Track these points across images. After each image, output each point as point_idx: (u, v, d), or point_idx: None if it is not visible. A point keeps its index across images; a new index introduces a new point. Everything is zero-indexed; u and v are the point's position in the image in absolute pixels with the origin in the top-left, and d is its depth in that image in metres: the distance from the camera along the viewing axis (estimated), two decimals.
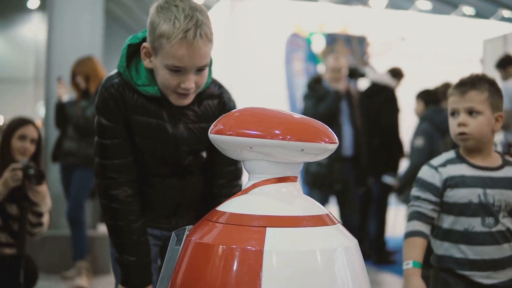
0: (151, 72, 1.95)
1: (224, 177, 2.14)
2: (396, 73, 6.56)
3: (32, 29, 21.00)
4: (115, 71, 2.02)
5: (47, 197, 3.33)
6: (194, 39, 1.80)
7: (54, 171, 5.52)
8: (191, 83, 1.88)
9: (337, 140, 1.49)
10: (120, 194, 1.98)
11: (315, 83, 5.65)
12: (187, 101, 1.96)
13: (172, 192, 2.10)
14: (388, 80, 6.24)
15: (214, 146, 1.59)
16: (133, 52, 1.99)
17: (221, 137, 1.51)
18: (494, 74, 6.63)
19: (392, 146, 6.19)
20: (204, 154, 2.12)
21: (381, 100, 6.13)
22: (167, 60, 1.84)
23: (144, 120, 1.99)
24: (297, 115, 1.53)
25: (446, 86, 6.67)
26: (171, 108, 2.00)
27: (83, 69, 4.92)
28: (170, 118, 2.01)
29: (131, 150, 2.01)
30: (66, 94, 5.09)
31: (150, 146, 2.02)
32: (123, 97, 1.97)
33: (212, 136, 1.54)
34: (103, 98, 1.99)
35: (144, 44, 1.91)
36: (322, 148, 1.46)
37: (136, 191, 2.03)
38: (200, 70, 1.89)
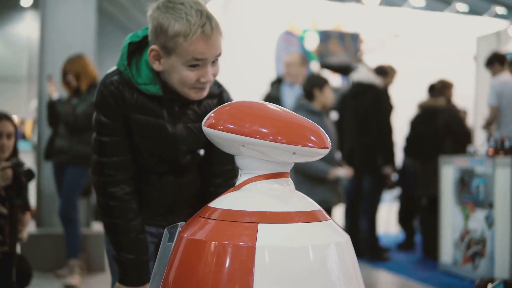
0: (152, 70, 1.94)
1: (221, 176, 2.14)
2: (383, 71, 6.55)
3: (25, 27, 20.92)
4: (113, 68, 2.00)
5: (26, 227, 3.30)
6: (212, 32, 1.82)
7: (46, 169, 5.51)
8: (210, 76, 1.89)
9: (329, 144, 1.49)
10: (118, 192, 1.97)
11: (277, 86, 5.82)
12: (205, 93, 1.96)
13: (169, 189, 2.10)
14: (373, 79, 6.23)
15: (212, 145, 1.60)
16: (132, 50, 1.97)
17: (213, 131, 1.51)
18: (488, 71, 6.66)
19: (383, 144, 6.19)
20: (200, 152, 2.13)
21: (369, 100, 6.13)
22: (186, 57, 1.83)
23: (144, 119, 1.97)
24: (290, 113, 1.52)
25: (442, 82, 6.70)
26: (171, 108, 2.00)
27: (73, 67, 4.91)
28: (170, 117, 2.00)
29: (130, 148, 2.00)
30: (56, 92, 5.08)
31: (149, 144, 2.01)
32: (123, 95, 1.95)
33: (205, 128, 1.55)
34: (102, 95, 1.96)
35: (153, 47, 1.87)
36: (314, 152, 1.46)
37: (134, 189, 2.03)
38: (214, 61, 1.91)
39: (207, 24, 1.81)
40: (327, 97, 4.96)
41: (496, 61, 6.33)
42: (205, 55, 1.84)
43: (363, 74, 6.28)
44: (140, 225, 2.02)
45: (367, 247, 6.23)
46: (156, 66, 1.90)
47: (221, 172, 2.14)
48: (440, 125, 6.43)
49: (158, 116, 1.98)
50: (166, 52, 1.85)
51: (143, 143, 2.00)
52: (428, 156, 6.51)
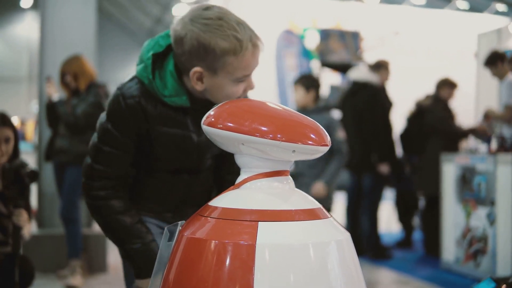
0: (177, 81, 1.85)
1: (235, 172, 2.10)
2: (376, 66, 6.49)
3: (25, 28, 20.98)
4: (131, 76, 1.92)
5: (27, 223, 3.26)
6: (259, 43, 1.78)
7: (47, 170, 5.51)
8: (254, 84, 1.85)
9: (329, 142, 1.49)
10: (102, 194, 1.93)
11: None
12: None
13: (181, 186, 2.05)
14: (369, 77, 6.20)
15: None
16: (154, 61, 1.88)
17: (212, 129, 1.51)
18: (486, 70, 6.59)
19: (378, 141, 6.18)
20: None
21: (364, 98, 6.12)
22: (236, 74, 1.76)
23: (168, 131, 1.90)
24: (290, 111, 1.52)
25: (442, 81, 6.63)
26: (197, 117, 1.89)
27: (71, 68, 4.91)
28: (195, 127, 1.94)
29: (128, 164, 1.94)
30: (56, 93, 5.08)
31: (173, 156, 1.96)
32: (144, 109, 1.86)
33: (204, 127, 1.55)
34: (118, 106, 1.87)
35: (196, 69, 1.76)
36: (313, 150, 1.46)
37: (123, 190, 1.97)
38: None
39: (254, 36, 1.76)
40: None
41: (499, 60, 6.18)
42: (253, 67, 1.79)
43: (359, 73, 6.28)
44: (133, 215, 1.96)
45: (369, 246, 6.22)
46: (199, 87, 1.81)
47: (234, 169, 2.08)
48: (425, 123, 6.47)
49: (183, 127, 1.92)
50: (211, 71, 1.77)
51: (166, 155, 1.95)
52: (416, 153, 6.58)
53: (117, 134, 1.88)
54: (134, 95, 1.86)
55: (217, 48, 1.71)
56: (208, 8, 1.76)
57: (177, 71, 1.86)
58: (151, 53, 1.85)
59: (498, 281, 2.33)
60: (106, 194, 1.93)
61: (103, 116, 1.92)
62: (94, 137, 1.94)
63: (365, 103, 6.09)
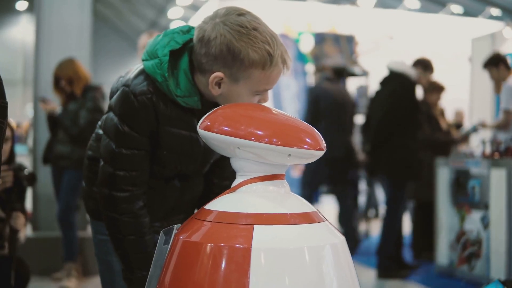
0: (191, 81, 1.78)
1: (229, 178, 2.02)
2: (420, 63, 6.13)
3: (20, 31, 20.95)
4: (136, 72, 1.83)
5: (24, 227, 3.25)
6: (288, 61, 1.72)
7: (43, 173, 5.50)
8: (268, 97, 1.79)
9: (324, 146, 1.50)
10: (133, 208, 1.82)
11: None
12: None
13: (174, 193, 1.99)
14: (406, 68, 5.70)
15: None
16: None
17: (208, 133, 1.52)
18: (483, 73, 6.55)
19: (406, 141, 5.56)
20: None
21: (391, 88, 5.57)
22: (257, 87, 1.70)
23: (177, 133, 1.83)
24: (286, 115, 1.54)
25: (431, 84, 6.54)
26: None
27: (65, 72, 4.83)
28: None
29: (149, 161, 1.85)
30: (56, 107, 4.99)
31: (177, 159, 1.89)
32: (156, 107, 1.77)
33: (200, 131, 1.55)
34: (131, 105, 1.77)
35: (218, 74, 1.68)
36: (309, 154, 1.47)
37: (146, 202, 1.88)
38: None
39: (284, 52, 1.70)
40: None
41: (501, 63, 6.01)
42: (275, 83, 1.74)
43: (396, 63, 5.64)
44: (153, 238, 1.87)
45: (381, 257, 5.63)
46: (215, 91, 1.73)
47: (228, 174, 2.06)
48: None
49: (191, 129, 1.84)
50: (233, 79, 1.69)
51: (171, 158, 1.87)
52: None
53: (135, 134, 1.79)
54: (145, 92, 1.77)
55: (247, 59, 1.65)
56: (242, 14, 1.70)
57: (190, 70, 1.78)
58: (168, 49, 1.75)
59: (506, 284, 2.34)
60: (136, 207, 1.82)
61: (111, 118, 1.82)
62: (108, 144, 1.82)
63: (393, 93, 5.52)
